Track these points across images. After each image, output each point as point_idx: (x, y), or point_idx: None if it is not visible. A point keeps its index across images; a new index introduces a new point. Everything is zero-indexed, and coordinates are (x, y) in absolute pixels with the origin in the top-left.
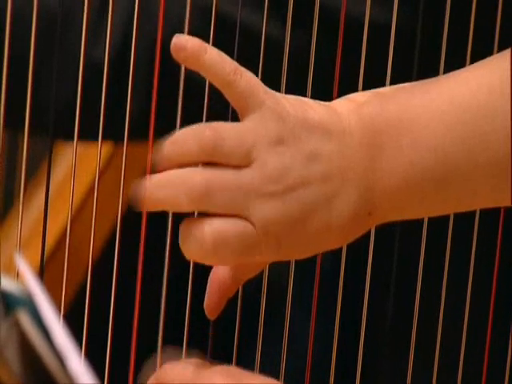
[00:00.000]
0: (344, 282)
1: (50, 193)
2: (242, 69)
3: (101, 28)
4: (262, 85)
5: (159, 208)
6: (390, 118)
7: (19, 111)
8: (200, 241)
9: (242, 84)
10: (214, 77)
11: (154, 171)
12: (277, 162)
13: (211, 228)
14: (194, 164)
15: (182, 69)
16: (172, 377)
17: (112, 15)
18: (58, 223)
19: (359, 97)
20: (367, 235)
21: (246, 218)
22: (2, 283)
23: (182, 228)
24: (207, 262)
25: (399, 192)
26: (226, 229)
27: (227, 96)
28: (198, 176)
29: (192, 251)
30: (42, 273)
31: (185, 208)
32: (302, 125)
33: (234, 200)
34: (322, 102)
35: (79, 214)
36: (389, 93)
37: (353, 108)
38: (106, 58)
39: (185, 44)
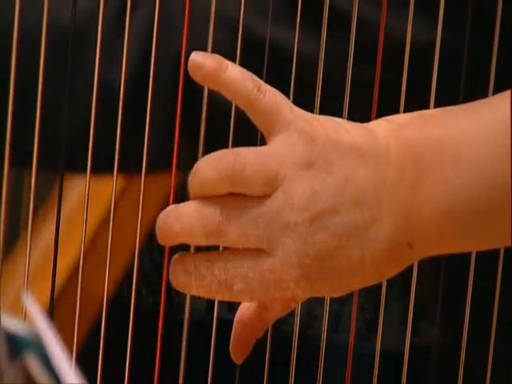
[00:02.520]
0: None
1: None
2: (267, 86)
3: (115, 52)
4: (289, 103)
5: (176, 241)
6: (431, 141)
7: (27, 143)
8: (206, 276)
9: (267, 102)
10: (235, 96)
11: (175, 201)
12: (304, 187)
13: (223, 264)
14: (218, 194)
15: (205, 94)
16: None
17: (128, 42)
18: (65, 260)
19: (399, 118)
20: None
21: (268, 251)
22: (8, 324)
23: (184, 263)
24: (219, 298)
25: (443, 221)
26: (240, 264)
27: (251, 116)
28: (215, 207)
29: (199, 290)
30: (51, 312)
31: (202, 241)
32: (333, 147)
33: (253, 232)
34: (357, 123)
35: (89, 250)
36: (431, 114)
37: (392, 130)
38: (122, 88)
39: (203, 62)
